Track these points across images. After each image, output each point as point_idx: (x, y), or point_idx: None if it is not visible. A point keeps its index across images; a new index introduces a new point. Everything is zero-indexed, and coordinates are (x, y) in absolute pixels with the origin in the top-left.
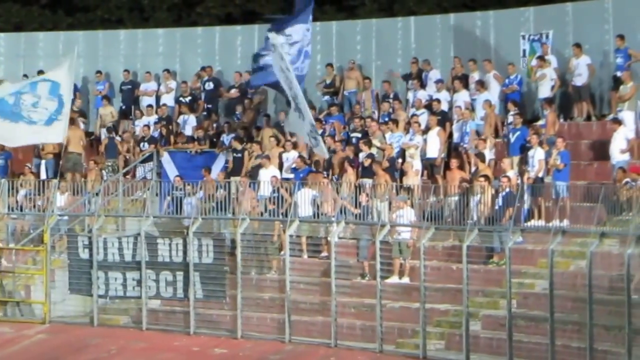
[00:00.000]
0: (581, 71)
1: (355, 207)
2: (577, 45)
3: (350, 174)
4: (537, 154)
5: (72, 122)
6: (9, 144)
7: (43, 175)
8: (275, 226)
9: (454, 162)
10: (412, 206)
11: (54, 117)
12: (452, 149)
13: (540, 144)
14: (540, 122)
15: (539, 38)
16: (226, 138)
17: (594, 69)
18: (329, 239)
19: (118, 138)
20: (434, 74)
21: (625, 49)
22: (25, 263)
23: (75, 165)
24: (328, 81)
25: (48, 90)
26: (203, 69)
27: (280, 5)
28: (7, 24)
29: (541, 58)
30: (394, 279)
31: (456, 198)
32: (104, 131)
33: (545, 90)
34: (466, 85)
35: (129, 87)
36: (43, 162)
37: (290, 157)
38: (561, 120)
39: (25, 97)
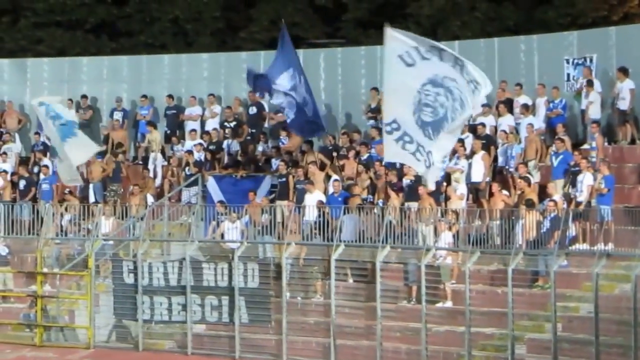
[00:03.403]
0: (625, 95)
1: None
2: (622, 70)
3: (394, 198)
4: (586, 179)
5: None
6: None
7: (92, 199)
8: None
9: (495, 187)
10: (450, 229)
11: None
12: (497, 173)
13: (589, 168)
14: (586, 146)
15: (582, 62)
16: (275, 162)
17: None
18: (374, 263)
19: (162, 161)
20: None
21: None
22: (69, 288)
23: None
24: (373, 105)
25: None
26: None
27: (324, 30)
28: (51, 48)
29: (589, 82)
30: (445, 304)
31: (498, 222)
32: (152, 156)
33: (595, 112)
34: (510, 110)
35: (174, 112)
36: (91, 185)
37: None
38: (605, 143)
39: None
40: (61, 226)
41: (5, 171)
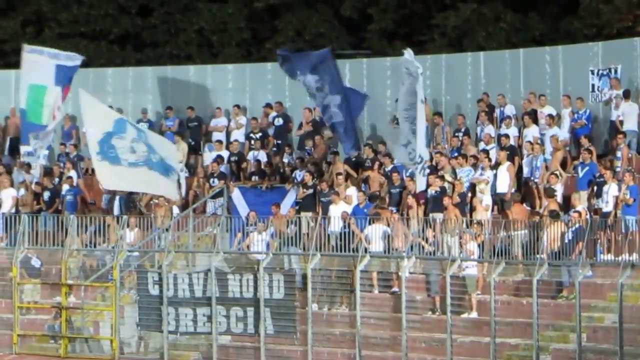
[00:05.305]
0: None
1: (425, 242)
2: None
3: (417, 209)
4: (611, 190)
5: None
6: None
7: (116, 211)
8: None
9: (515, 199)
10: (474, 239)
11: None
12: (523, 184)
13: (614, 179)
14: (612, 156)
15: (607, 73)
16: (299, 174)
17: None
18: (399, 274)
19: (186, 173)
20: (510, 109)
21: None
22: (94, 299)
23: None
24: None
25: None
26: (268, 105)
27: (349, 40)
28: None
29: (626, 93)
30: (470, 314)
31: (520, 232)
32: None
33: (632, 124)
34: (535, 120)
35: (195, 123)
36: (117, 197)
37: (352, 192)
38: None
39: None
40: (86, 237)
41: (24, 181)
